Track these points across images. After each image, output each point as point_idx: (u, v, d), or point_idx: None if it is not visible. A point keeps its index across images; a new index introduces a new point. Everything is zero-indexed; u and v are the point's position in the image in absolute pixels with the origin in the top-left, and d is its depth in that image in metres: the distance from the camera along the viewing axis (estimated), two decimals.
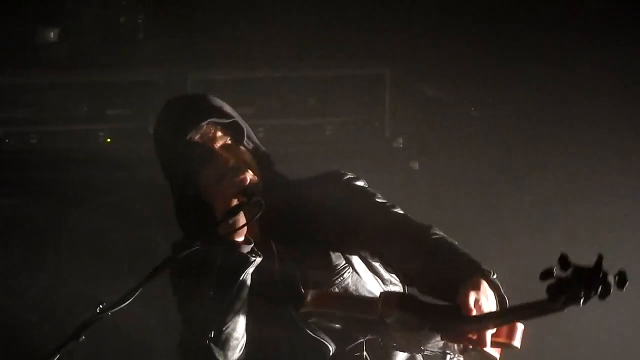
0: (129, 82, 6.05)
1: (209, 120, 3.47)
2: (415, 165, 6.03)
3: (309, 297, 3.37)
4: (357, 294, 3.48)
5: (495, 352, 3.11)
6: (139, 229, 5.95)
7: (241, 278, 3.36)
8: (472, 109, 6.09)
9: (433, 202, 5.89)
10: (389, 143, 6.01)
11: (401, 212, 3.47)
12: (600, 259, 2.51)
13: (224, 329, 3.37)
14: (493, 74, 5.92)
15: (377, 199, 3.50)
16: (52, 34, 6.10)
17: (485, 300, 3.03)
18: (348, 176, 3.57)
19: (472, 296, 3.02)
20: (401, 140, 6.01)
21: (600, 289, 2.49)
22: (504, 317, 3.04)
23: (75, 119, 6.07)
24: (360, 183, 3.57)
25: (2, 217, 6.00)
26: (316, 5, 5.99)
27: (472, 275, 3.09)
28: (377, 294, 3.49)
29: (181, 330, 3.48)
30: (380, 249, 3.42)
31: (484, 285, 3.07)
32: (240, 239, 3.39)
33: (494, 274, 3.12)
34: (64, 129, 6.08)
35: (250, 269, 3.38)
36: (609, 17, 5.89)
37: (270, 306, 3.44)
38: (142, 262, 5.74)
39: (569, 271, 2.51)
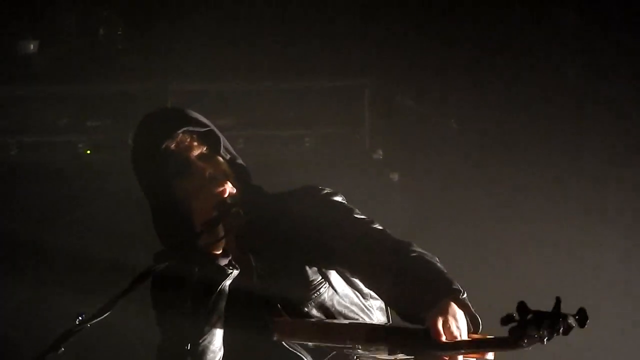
0: (108, 93, 6.05)
1: (184, 129, 3.46)
2: (395, 177, 6.04)
3: (278, 329, 3.36)
4: (334, 309, 3.46)
5: None
6: (119, 240, 5.93)
7: (218, 290, 3.35)
8: (452, 120, 6.11)
9: (413, 214, 5.89)
10: (368, 154, 6.02)
11: (380, 227, 3.44)
12: (558, 302, 2.55)
13: (200, 341, 3.36)
14: (472, 86, 5.94)
15: (355, 215, 3.47)
16: (32, 46, 6.10)
17: (454, 322, 3.01)
18: (326, 191, 3.55)
19: (440, 320, 3.00)
20: (381, 152, 6.02)
21: (561, 330, 2.56)
22: (472, 347, 3.02)
23: (56, 130, 6.07)
24: (338, 198, 3.55)
25: None
26: (296, 17, 6.01)
27: (441, 298, 3.06)
28: (355, 309, 3.50)
29: (159, 342, 3.47)
30: (356, 265, 3.40)
31: (453, 307, 3.04)
32: (218, 251, 3.38)
33: (463, 293, 3.09)
34: (44, 140, 6.07)
35: (227, 282, 3.37)
36: (589, 31, 5.92)
37: (248, 320, 3.43)
38: (122, 273, 5.71)
39: (529, 316, 2.56)
